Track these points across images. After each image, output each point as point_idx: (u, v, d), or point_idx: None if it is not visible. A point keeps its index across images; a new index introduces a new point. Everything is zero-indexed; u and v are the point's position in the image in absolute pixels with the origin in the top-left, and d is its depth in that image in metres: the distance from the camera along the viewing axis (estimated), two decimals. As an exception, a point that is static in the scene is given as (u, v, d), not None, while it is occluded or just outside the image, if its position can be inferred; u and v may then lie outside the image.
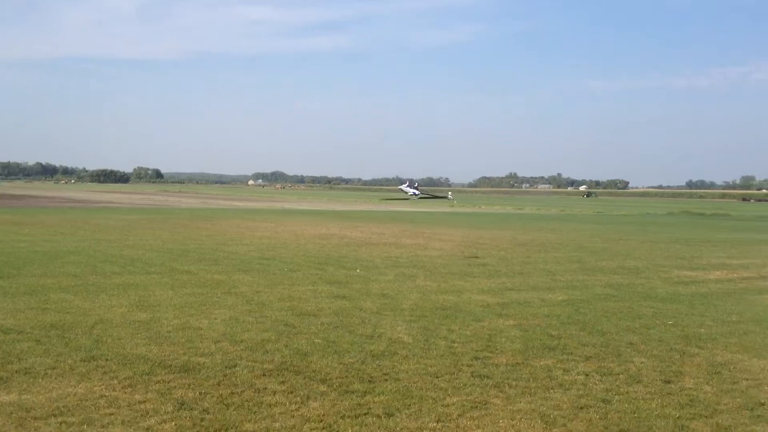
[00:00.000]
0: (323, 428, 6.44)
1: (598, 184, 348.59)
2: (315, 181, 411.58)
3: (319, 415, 6.78)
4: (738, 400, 7.62)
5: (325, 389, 7.65)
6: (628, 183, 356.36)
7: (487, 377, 8.28)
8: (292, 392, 7.48)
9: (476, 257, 22.43)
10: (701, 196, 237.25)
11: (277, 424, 6.50)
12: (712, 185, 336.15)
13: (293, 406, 7.02)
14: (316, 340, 9.90)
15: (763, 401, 7.57)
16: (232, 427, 6.41)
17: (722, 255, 25.92)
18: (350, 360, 8.89)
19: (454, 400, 7.37)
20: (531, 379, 8.23)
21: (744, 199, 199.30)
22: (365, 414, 6.85)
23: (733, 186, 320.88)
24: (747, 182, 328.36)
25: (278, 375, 8.11)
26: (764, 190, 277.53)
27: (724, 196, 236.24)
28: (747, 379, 8.47)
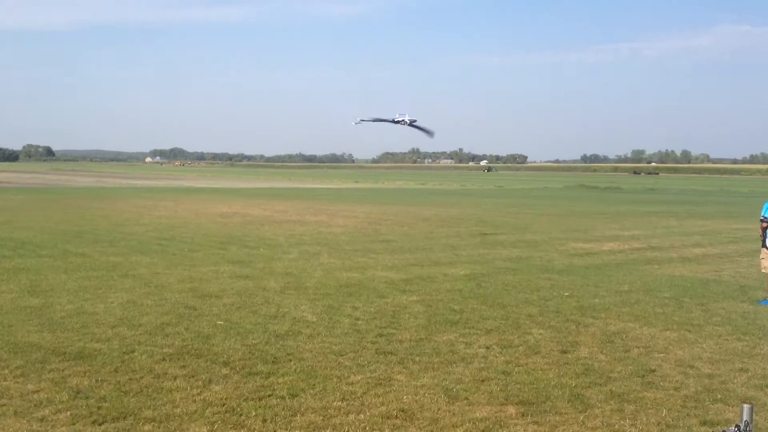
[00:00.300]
0: (226, 412, 6.34)
1: (498, 158, 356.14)
2: (216, 158, 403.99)
3: (221, 399, 6.67)
4: (630, 367, 7.92)
5: (227, 372, 7.53)
6: (526, 158, 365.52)
7: (391, 354, 8.33)
8: (193, 376, 7.32)
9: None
10: (595, 170, 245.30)
11: (178, 410, 6.35)
12: (605, 159, 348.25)
13: (194, 391, 6.87)
14: (218, 322, 9.73)
15: (653, 368, 7.90)
16: (130, 415, 6.22)
17: (615, 227, 26.92)
18: (253, 341, 8.78)
19: (359, 378, 7.38)
20: (434, 354, 8.33)
21: (635, 173, 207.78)
22: (269, 396, 6.78)
23: (625, 160, 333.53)
24: (638, 156, 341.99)
25: (179, 359, 7.93)
26: (653, 164, 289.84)
27: (616, 169, 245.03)
28: (638, 347, 8.81)
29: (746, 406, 3.36)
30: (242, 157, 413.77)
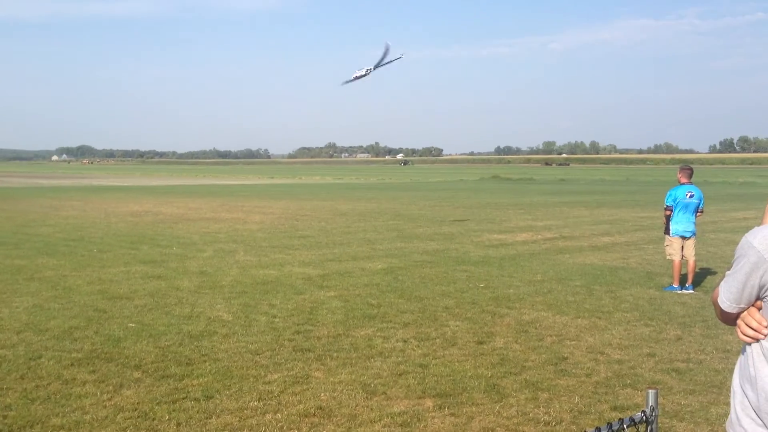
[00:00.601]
0: (138, 417, 6.16)
1: (414, 152, 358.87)
2: (126, 155, 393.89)
3: (133, 404, 6.48)
4: (543, 356, 8.08)
5: (139, 375, 7.32)
6: (442, 150, 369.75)
7: (309, 351, 8.27)
8: (103, 381, 7.09)
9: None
10: (509, 162, 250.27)
11: (88, 416, 6.13)
12: (518, 151, 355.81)
13: (105, 396, 6.66)
14: (129, 324, 9.46)
15: (565, 355, 8.08)
16: (38, 423, 5.98)
17: (528, 217, 27.48)
18: (167, 343, 8.57)
19: (276, 377, 7.29)
20: (352, 350, 8.31)
21: (546, 164, 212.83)
22: (183, 398, 6.62)
23: (537, 151, 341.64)
24: (549, 147, 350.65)
25: (88, 364, 7.66)
26: (564, 155, 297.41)
27: (528, 161, 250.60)
28: (551, 336, 9.00)
29: (651, 392, 3.44)
30: (154, 154, 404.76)
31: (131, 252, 16.85)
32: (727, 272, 2.60)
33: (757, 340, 2.55)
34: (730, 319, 2.65)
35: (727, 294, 2.58)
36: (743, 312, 2.58)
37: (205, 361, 7.83)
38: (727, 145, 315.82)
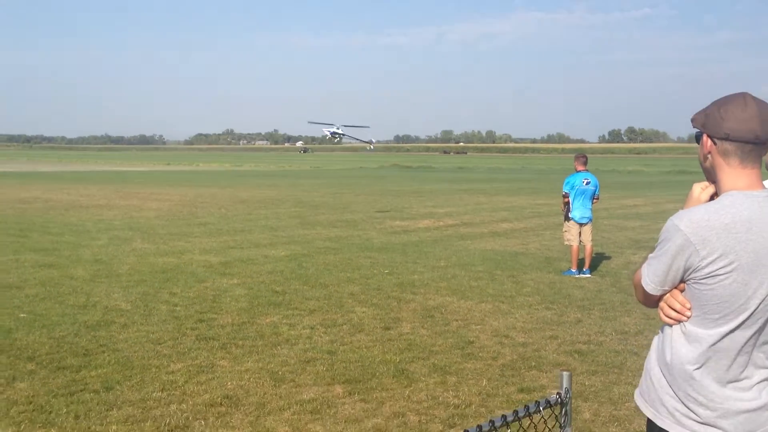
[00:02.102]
0: (33, 410, 5.84)
1: (313, 139, 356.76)
2: (11, 139, 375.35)
3: (27, 396, 6.14)
4: (450, 340, 8.14)
5: (33, 367, 6.95)
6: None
7: (213, 339, 8.06)
8: (-7, 375, 6.69)
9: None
10: (408, 150, 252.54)
11: (-23, 413, 5.77)
12: (417, 139, 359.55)
13: (-4, 391, 6.28)
14: (20, 315, 8.98)
15: (471, 339, 8.17)
16: None
17: (429, 204, 27.77)
18: (61, 333, 8.18)
19: (179, 366, 7.07)
20: (257, 338, 8.15)
21: (444, 152, 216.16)
22: (81, 390, 6.33)
23: (435, 140, 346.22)
24: (447, 136, 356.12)
25: (-24, 357, 7.23)
26: (461, 143, 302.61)
27: (427, 149, 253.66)
28: (456, 320, 9.09)
29: (565, 374, 3.47)
30: (41, 139, 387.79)
31: (20, 240, 16.05)
32: (650, 255, 2.63)
33: (679, 322, 2.58)
34: (652, 302, 2.68)
35: (652, 277, 2.60)
36: (666, 294, 2.61)
37: (104, 352, 7.51)
38: (615, 136, 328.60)
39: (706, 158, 2.62)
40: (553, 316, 9.35)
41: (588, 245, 12.69)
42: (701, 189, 2.67)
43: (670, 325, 2.62)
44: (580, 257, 12.64)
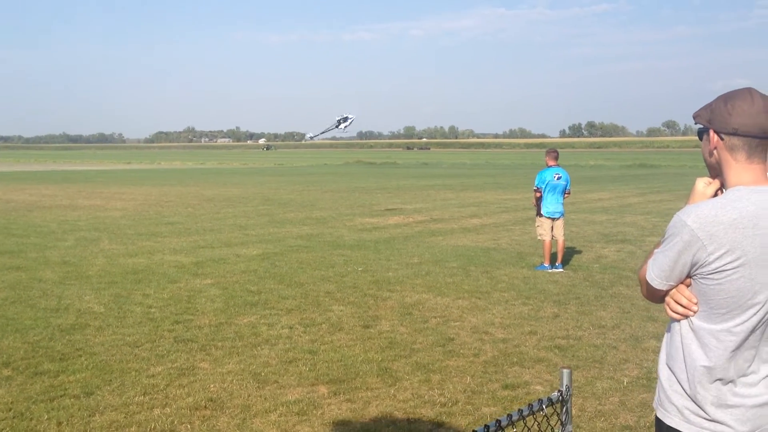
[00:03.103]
0: (14, 417, 5.71)
1: (276, 136, 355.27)
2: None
3: (6, 403, 6.00)
4: (430, 337, 8.14)
5: (9, 373, 6.80)
6: (304, 135, 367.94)
7: (192, 341, 7.96)
8: (-32, 382, 6.54)
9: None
10: (371, 146, 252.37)
11: (-45, 422, 5.63)
12: (380, 136, 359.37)
13: (-28, 398, 6.14)
14: (-9, 320, 8.79)
15: (451, 336, 8.18)
16: None
17: (397, 201, 27.77)
18: (35, 338, 8.02)
19: (159, 370, 6.97)
20: (237, 338, 8.07)
21: (408, 148, 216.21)
22: (61, 396, 6.20)
23: (398, 136, 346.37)
24: (409, 132, 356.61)
25: (-51, 364, 7.06)
26: (424, 139, 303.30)
27: (390, 145, 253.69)
28: (435, 317, 9.09)
29: (565, 371, 3.48)
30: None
31: (-17, 242, 15.70)
32: (656, 250, 2.64)
33: (686, 317, 2.60)
34: (658, 297, 2.69)
35: (658, 272, 2.61)
36: (672, 289, 2.62)
37: (81, 356, 7.38)
38: (576, 130, 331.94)
39: (711, 154, 2.63)
40: (530, 312, 9.39)
41: (560, 240, 12.79)
42: (705, 184, 2.69)
43: (677, 321, 2.64)
44: (552, 252, 12.74)
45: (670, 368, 2.67)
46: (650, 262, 2.67)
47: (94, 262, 13.14)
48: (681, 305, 2.60)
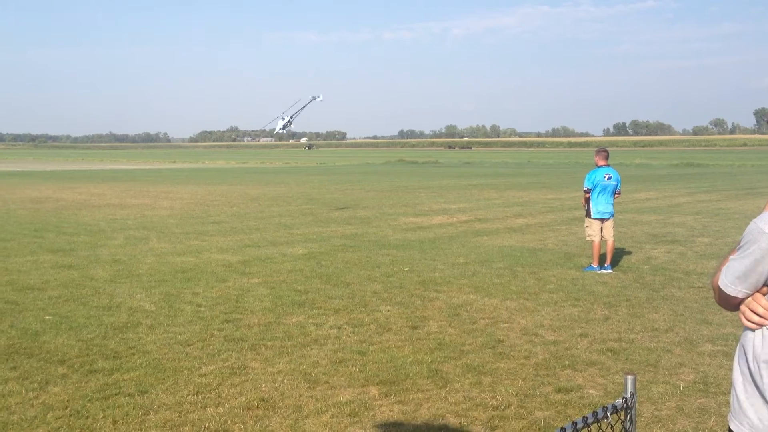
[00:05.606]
0: (70, 415, 5.80)
1: (318, 136, 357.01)
2: (16, 139, 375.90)
3: (62, 401, 6.10)
4: (480, 339, 8.08)
5: (65, 371, 6.91)
6: (345, 134, 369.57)
7: (242, 340, 8.01)
8: (26, 378, 6.66)
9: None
10: (413, 146, 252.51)
11: (16, 417, 5.74)
12: (421, 135, 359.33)
13: (31, 394, 6.25)
14: (46, 317, 8.95)
15: (501, 338, 8.11)
16: (-43, 428, 5.54)
17: (440, 200, 27.69)
18: (89, 336, 8.14)
19: (211, 369, 7.03)
20: (286, 338, 8.10)
21: (449, 147, 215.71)
22: (116, 394, 6.29)
23: (440, 135, 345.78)
24: (451, 131, 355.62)
25: (7, 360, 7.20)
26: (466, 138, 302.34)
27: (432, 144, 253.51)
28: (483, 318, 9.02)
29: (629, 377, 3.41)
30: (47, 138, 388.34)
31: (36, 240, 16.04)
32: (731, 257, 2.57)
33: (762, 326, 2.53)
34: (732, 305, 2.63)
35: (731, 278, 2.55)
36: (748, 297, 2.56)
37: (134, 354, 7.47)
38: (620, 128, 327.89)
39: None
40: (580, 314, 9.27)
41: (610, 241, 12.61)
42: None
43: (752, 330, 2.57)
44: (601, 253, 12.57)
45: (743, 379, 2.60)
46: (724, 268, 2.61)
47: (144, 261, 13.32)
48: (757, 314, 2.53)
